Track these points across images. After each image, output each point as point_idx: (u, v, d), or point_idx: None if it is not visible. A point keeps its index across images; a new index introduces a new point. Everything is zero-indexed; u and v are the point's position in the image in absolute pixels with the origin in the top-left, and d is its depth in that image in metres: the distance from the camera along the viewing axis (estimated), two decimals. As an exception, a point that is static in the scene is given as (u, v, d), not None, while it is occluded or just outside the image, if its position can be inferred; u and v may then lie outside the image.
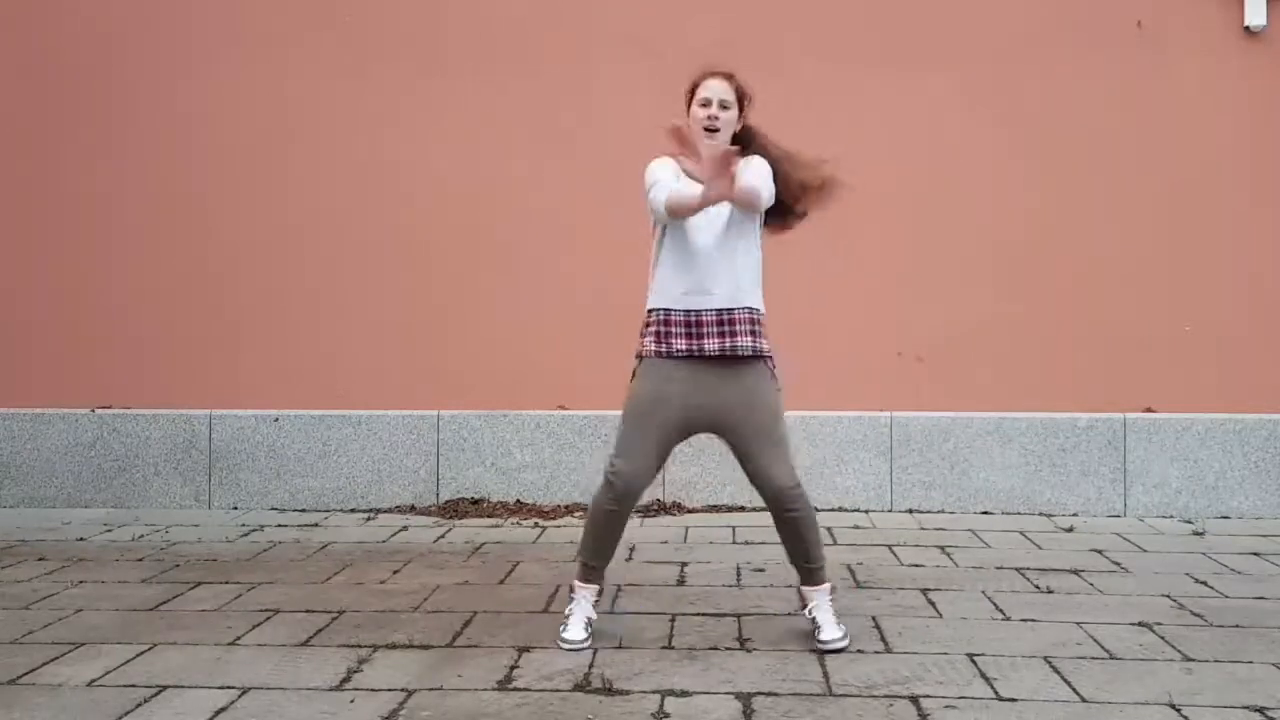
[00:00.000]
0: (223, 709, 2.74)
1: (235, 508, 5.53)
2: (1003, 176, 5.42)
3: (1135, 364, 5.36)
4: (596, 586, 3.33)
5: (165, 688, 2.90)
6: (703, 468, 5.43)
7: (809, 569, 3.25)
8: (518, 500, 5.46)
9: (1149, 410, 5.35)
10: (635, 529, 4.99)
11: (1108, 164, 5.40)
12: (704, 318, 3.13)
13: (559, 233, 5.53)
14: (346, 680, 2.95)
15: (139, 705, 2.77)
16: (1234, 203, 5.37)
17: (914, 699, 2.79)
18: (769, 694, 2.82)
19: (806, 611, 3.25)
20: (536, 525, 5.09)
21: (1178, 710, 2.71)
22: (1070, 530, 4.94)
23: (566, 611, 3.32)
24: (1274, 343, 5.34)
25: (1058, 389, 5.37)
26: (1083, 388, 5.37)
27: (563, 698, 2.81)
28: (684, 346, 3.14)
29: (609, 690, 2.86)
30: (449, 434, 5.50)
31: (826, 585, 3.27)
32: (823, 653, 3.14)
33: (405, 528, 5.06)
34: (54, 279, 5.67)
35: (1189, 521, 5.15)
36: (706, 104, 3.20)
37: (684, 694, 2.82)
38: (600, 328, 5.48)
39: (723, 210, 3.14)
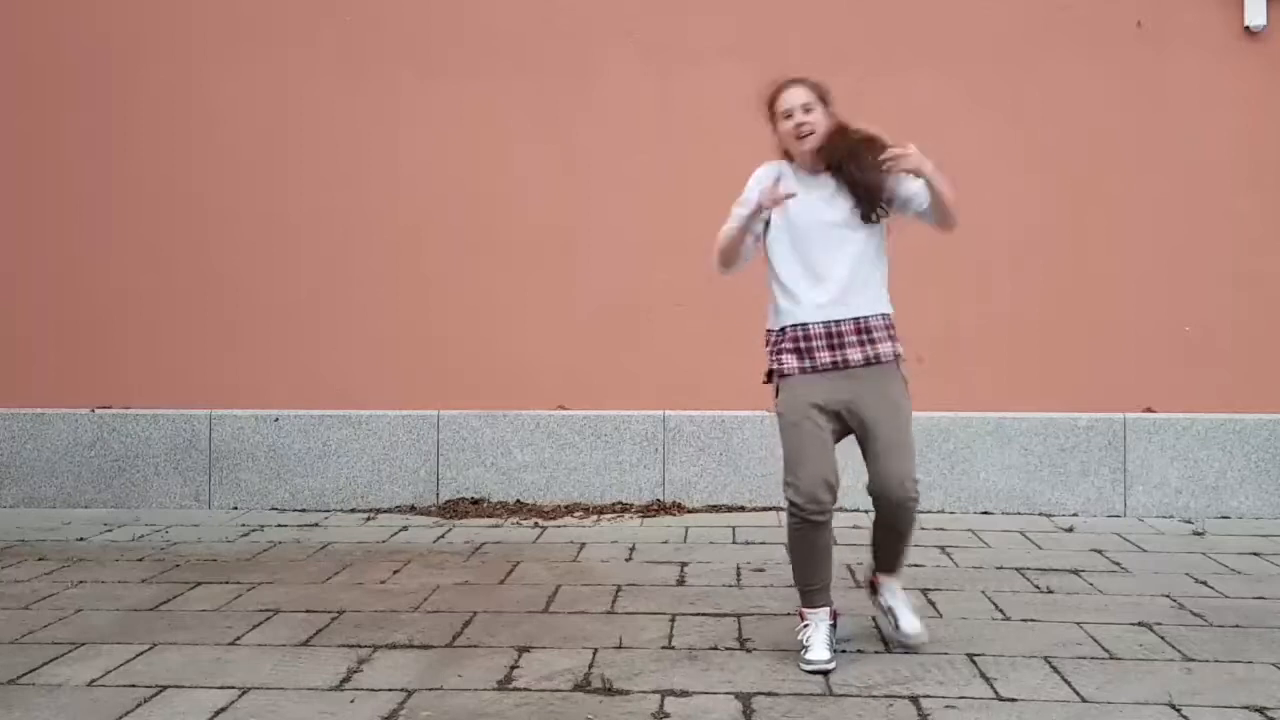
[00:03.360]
0: (223, 709, 2.74)
1: (235, 508, 5.53)
2: (1002, 176, 5.42)
3: (1135, 364, 5.36)
4: (826, 609, 3.13)
5: (165, 688, 2.90)
6: (702, 468, 5.43)
7: (894, 563, 3.30)
8: (518, 500, 5.46)
9: (1149, 410, 5.35)
10: (635, 529, 4.99)
11: (1108, 164, 5.40)
12: (844, 327, 3.10)
13: (559, 232, 5.53)
14: (346, 680, 2.96)
15: (139, 705, 2.77)
16: (1234, 202, 5.36)
17: (914, 699, 2.79)
18: (769, 694, 2.82)
19: (880, 599, 3.30)
20: (536, 525, 5.09)
21: (1178, 710, 2.71)
22: (1070, 530, 4.94)
23: (803, 640, 3.10)
24: (1274, 343, 5.34)
25: (1057, 389, 5.37)
26: (1083, 388, 5.37)
27: (563, 698, 2.81)
28: (828, 359, 3.09)
29: (609, 690, 2.86)
30: (449, 434, 5.50)
31: (899, 579, 3.31)
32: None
33: (405, 528, 5.07)
34: (54, 279, 5.67)
35: (1189, 521, 5.15)
36: (789, 115, 3.13)
37: (684, 694, 2.82)
38: (600, 328, 5.49)
39: (837, 218, 3.12)
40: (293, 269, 5.61)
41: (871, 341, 3.10)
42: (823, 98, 3.19)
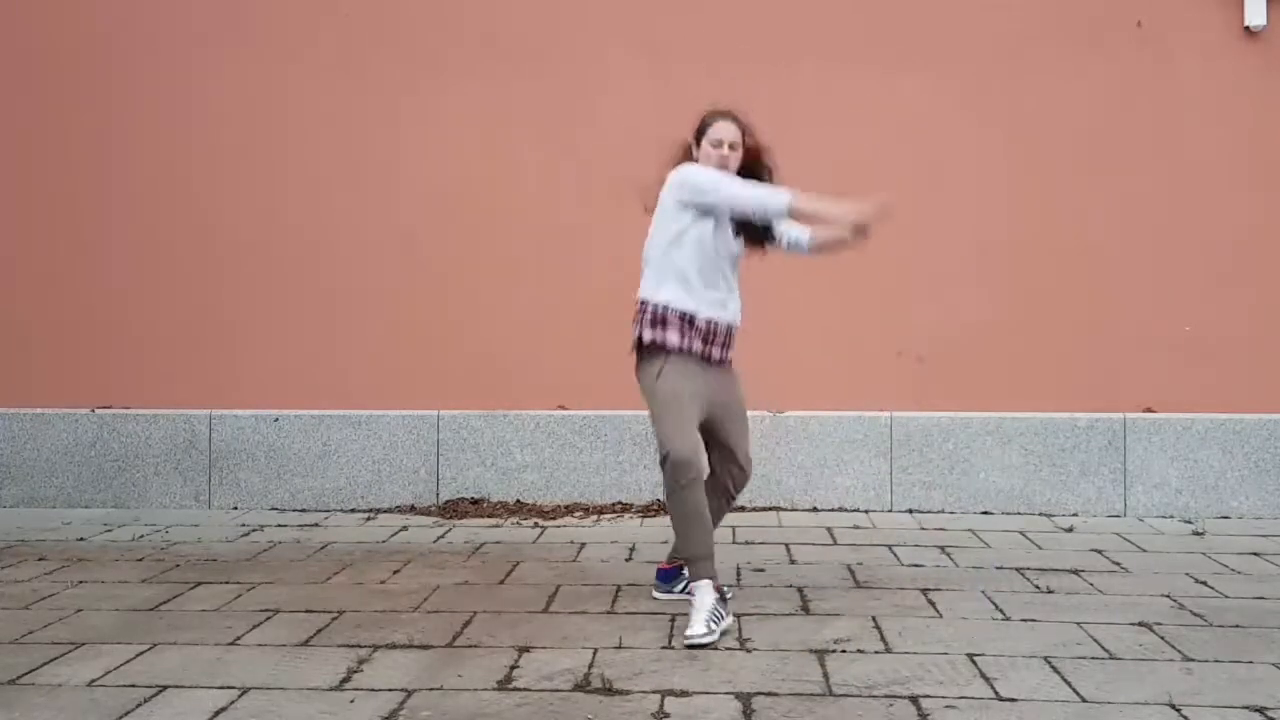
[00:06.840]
0: (223, 709, 2.74)
1: (235, 508, 5.53)
2: (1003, 176, 5.42)
3: (1135, 364, 5.36)
4: (708, 580, 3.35)
5: (165, 688, 2.90)
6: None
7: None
8: (518, 500, 5.46)
9: (1149, 410, 5.35)
10: (635, 529, 4.99)
11: (1108, 164, 5.40)
12: (718, 329, 3.53)
13: (559, 232, 5.53)
14: (346, 680, 2.96)
15: (139, 705, 2.77)
16: (1234, 203, 5.37)
17: (914, 699, 2.79)
18: (769, 694, 2.82)
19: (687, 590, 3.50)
20: (536, 525, 5.09)
21: (1178, 710, 2.71)
22: (1070, 530, 4.94)
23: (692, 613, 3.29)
24: (1274, 343, 5.34)
25: (1058, 389, 5.37)
26: (1083, 388, 5.37)
27: (563, 698, 2.81)
28: (700, 349, 3.49)
29: (609, 690, 2.86)
30: (449, 434, 5.50)
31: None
32: (821, 653, 3.17)
33: (405, 528, 5.07)
34: (54, 279, 5.67)
35: (1189, 521, 5.15)
36: (719, 144, 3.54)
37: (684, 694, 2.82)
38: (600, 328, 5.49)
39: (727, 232, 3.54)
40: (292, 269, 5.61)
41: (730, 345, 3.59)
42: (745, 140, 3.57)
